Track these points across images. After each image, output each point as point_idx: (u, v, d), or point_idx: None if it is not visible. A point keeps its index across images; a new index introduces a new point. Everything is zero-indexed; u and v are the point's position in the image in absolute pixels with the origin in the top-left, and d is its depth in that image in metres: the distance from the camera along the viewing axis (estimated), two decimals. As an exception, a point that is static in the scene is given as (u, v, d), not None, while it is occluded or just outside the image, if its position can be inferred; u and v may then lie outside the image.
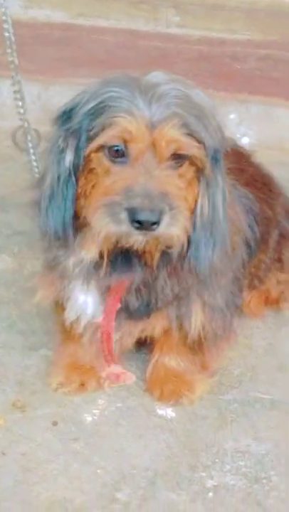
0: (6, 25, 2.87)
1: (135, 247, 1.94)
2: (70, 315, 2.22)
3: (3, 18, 2.85)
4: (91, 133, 1.91)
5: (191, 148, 1.90)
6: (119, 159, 1.90)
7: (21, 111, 2.94)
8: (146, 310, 2.16)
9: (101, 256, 2.03)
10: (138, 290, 2.11)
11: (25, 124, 2.97)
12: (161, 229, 1.86)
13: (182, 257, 2.02)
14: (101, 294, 2.14)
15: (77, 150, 1.95)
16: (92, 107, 1.91)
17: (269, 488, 2.06)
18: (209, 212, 2.01)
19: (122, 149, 1.88)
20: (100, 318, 2.18)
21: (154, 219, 1.84)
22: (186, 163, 1.93)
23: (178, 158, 1.91)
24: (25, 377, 2.40)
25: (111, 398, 2.34)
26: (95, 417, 2.27)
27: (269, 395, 2.38)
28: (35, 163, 2.96)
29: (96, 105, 1.91)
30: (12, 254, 3.00)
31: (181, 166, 1.92)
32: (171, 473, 2.10)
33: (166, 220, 1.86)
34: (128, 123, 1.85)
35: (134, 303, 2.14)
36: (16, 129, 3.20)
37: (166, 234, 1.89)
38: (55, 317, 2.43)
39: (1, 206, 3.31)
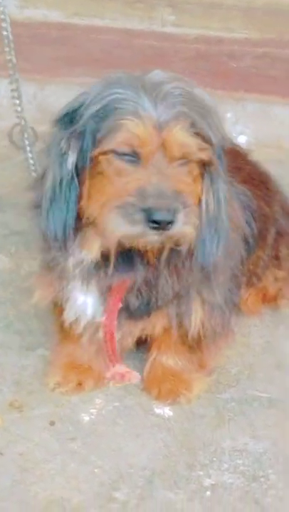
0: (4, 24, 2.87)
1: (149, 247, 1.95)
2: (69, 316, 2.21)
3: (2, 16, 2.85)
4: (98, 135, 1.90)
5: (200, 149, 1.92)
6: (130, 159, 1.89)
7: (19, 109, 2.94)
8: (147, 309, 2.16)
9: (102, 256, 2.03)
10: (138, 289, 2.11)
11: (22, 122, 2.96)
12: (176, 228, 1.87)
13: (187, 254, 2.03)
14: (101, 294, 2.13)
15: (80, 152, 1.94)
16: (98, 110, 1.90)
17: (267, 487, 2.06)
18: (214, 208, 2.02)
19: (133, 151, 1.88)
20: (100, 319, 2.18)
21: (170, 218, 1.85)
22: (193, 160, 1.94)
23: (187, 157, 1.92)
24: (22, 377, 2.39)
25: (108, 397, 2.33)
26: (93, 417, 2.27)
27: (267, 393, 2.37)
28: (31, 162, 2.96)
29: (102, 107, 1.90)
30: (9, 254, 3.00)
31: (188, 163, 1.93)
32: (168, 472, 2.09)
33: (180, 218, 1.87)
34: (135, 126, 1.85)
35: (134, 302, 2.13)
36: (13, 126, 3.20)
37: (181, 232, 1.90)
38: (52, 317, 2.43)
39: (-2, 206, 3.31)
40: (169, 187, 1.86)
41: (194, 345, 2.31)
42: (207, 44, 3.85)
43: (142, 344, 2.39)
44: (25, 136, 2.94)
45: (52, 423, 2.23)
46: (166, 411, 2.30)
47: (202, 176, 1.99)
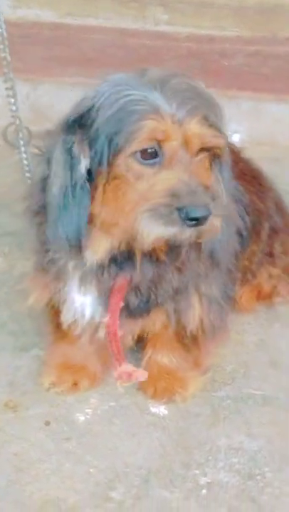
0: None
1: (185, 244, 1.96)
2: (66, 317, 2.21)
3: None
4: (117, 139, 1.87)
5: (217, 139, 1.93)
6: (151, 161, 1.88)
7: (13, 108, 2.92)
8: (146, 307, 2.16)
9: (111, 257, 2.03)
10: (137, 288, 2.11)
11: (17, 122, 2.95)
12: (209, 222, 1.87)
13: (193, 245, 2.03)
14: (100, 294, 2.12)
15: (93, 157, 1.92)
16: (113, 113, 1.88)
17: (263, 485, 2.06)
18: (224, 196, 2.04)
19: (155, 150, 1.88)
20: (99, 319, 2.17)
21: (207, 213, 1.85)
22: (207, 152, 1.95)
23: (204, 150, 1.93)
24: (16, 377, 2.39)
25: (104, 397, 2.33)
26: (88, 416, 2.27)
27: (261, 391, 2.38)
28: (25, 162, 2.95)
29: (117, 110, 1.88)
30: (2, 254, 2.99)
31: (204, 156, 1.95)
32: (164, 471, 2.09)
33: (213, 212, 1.88)
34: (158, 124, 1.85)
35: (133, 301, 2.13)
36: (7, 126, 3.20)
37: (213, 226, 1.90)
38: (46, 317, 2.42)
39: (-9, 207, 3.31)
40: (198, 182, 1.87)
41: (190, 343, 2.31)
42: (199, 42, 3.85)
43: (142, 342, 2.39)
44: (20, 135, 2.92)
45: (47, 423, 2.23)
46: (161, 410, 2.30)
47: (211, 166, 2.01)
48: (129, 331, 2.23)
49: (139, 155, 1.88)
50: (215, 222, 1.90)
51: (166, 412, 2.29)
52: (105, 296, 2.12)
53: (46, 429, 2.21)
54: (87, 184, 1.93)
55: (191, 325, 2.22)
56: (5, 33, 2.83)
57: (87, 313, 2.17)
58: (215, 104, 1.99)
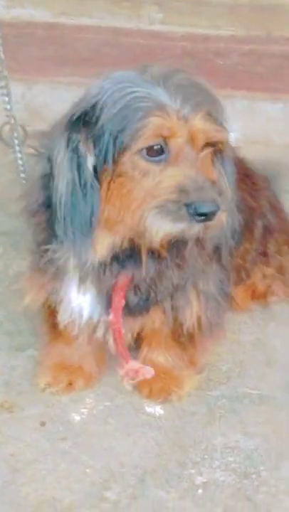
0: None
1: (193, 239, 1.97)
2: (63, 317, 2.20)
3: None
4: (122, 136, 1.87)
5: (220, 134, 1.94)
6: (157, 158, 1.88)
7: (8, 107, 2.91)
8: (146, 304, 2.16)
9: (113, 255, 2.02)
10: (137, 285, 2.11)
11: (12, 121, 2.94)
12: (217, 216, 1.88)
13: (195, 240, 2.03)
14: (99, 293, 2.12)
15: (98, 155, 1.91)
16: (118, 110, 1.87)
17: (259, 484, 2.06)
18: (228, 190, 2.05)
19: (161, 147, 1.88)
20: (97, 318, 2.17)
21: (215, 208, 1.86)
22: (211, 148, 1.96)
23: (208, 145, 1.94)
24: (12, 377, 2.39)
25: (99, 397, 2.33)
26: (83, 416, 2.26)
27: (257, 390, 2.38)
28: (20, 162, 2.94)
29: (122, 108, 1.87)
30: (-2, 254, 2.99)
31: (209, 151, 1.95)
32: (160, 470, 2.09)
33: (220, 206, 1.88)
34: (163, 120, 1.85)
35: (133, 299, 2.13)
36: (2, 125, 3.19)
37: (220, 220, 1.91)
38: (42, 317, 2.41)
39: (-14, 207, 3.30)
40: (205, 178, 1.88)
41: (187, 341, 2.31)
42: (193, 42, 3.85)
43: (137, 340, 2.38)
44: (15, 135, 2.92)
45: (42, 423, 2.23)
46: (157, 409, 2.30)
47: (213, 160, 2.01)
48: (128, 329, 2.22)
49: (145, 152, 1.88)
50: (223, 217, 1.91)
51: (161, 411, 2.29)
52: (105, 295, 2.12)
53: (42, 430, 2.21)
54: (96, 182, 1.93)
55: (188, 322, 2.22)
56: None
57: (86, 312, 2.16)
58: (216, 99, 1.99)
